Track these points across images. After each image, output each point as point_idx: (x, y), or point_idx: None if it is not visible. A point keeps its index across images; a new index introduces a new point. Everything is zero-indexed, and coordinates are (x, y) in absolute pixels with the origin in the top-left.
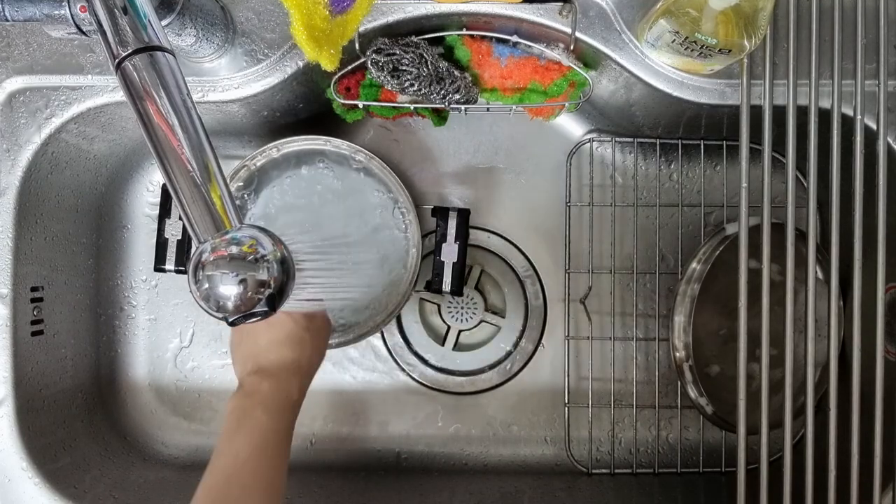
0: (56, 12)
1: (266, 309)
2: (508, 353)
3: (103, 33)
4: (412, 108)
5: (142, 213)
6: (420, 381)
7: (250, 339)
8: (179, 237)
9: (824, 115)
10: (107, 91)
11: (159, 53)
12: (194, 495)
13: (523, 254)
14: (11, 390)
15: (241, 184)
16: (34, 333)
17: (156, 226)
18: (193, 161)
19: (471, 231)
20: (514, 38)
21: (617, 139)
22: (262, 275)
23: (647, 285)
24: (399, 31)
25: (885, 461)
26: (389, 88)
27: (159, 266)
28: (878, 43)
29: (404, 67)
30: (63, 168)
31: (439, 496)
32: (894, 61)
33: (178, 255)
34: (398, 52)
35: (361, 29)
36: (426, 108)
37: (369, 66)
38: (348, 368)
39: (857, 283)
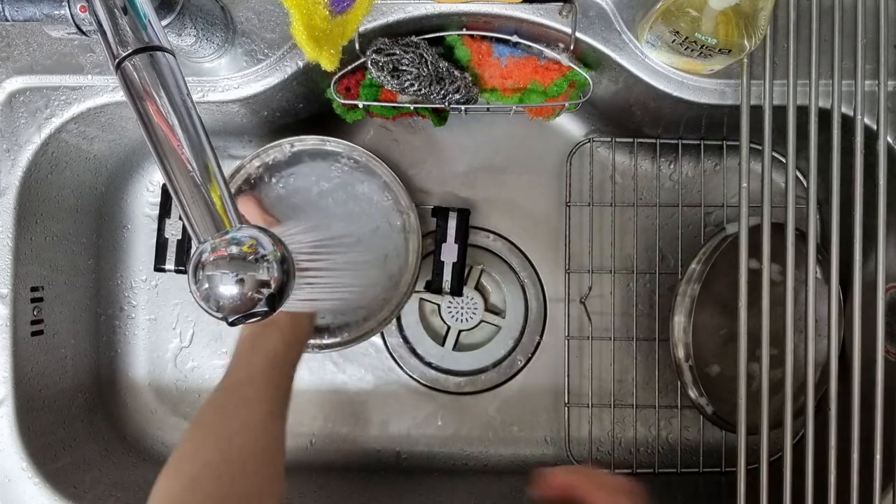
0: (56, 12)
1: (266, 309)
2: (508, 353)
3: (103, 33)
4: (412, 108)
5: (142, 213)
6: (420, 381)
7: None
8: (179, 237)
9: (824, 115)
10: (107, 91)
11: (159, 53)
12: (209, 398)
13: (523, 254)
14: (11, 390)
15: (242, 182)
16: (34, 333)
17: (156, 226)
18: (193, 161)
19: (471, 231)
20: (514, 38)
21: (617, 139)
22: (262, 275)
23: (647, 285)
24: (399, 31)
25: (885, 461)
26: (389, 88)
27: (159, 266)
28: (878, 43)
29: (404, 67)
30: (63, 168)
31: (439, 496)
32: (894, 61)
33: (178, 255)
34: (398, 52)
35: (361, 29)
36: (426, 108)
37: (369, 66)
38: (348, 368)
39: (857, 283)
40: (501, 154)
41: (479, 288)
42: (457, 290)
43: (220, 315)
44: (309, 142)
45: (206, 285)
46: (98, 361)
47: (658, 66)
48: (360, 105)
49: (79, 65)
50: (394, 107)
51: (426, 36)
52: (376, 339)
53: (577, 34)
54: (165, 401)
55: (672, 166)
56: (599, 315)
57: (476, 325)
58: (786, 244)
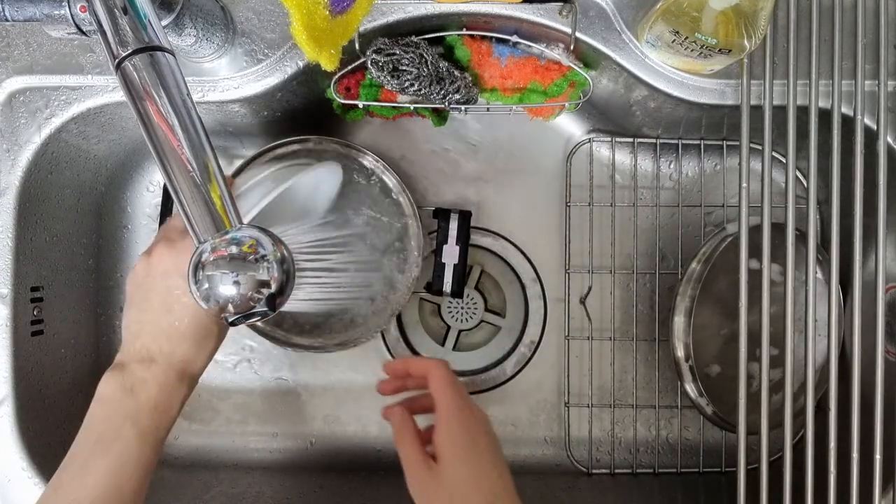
0: (56, 12)
1: (266, 309)
2: (508, 354)
3: (103, 33)
4: (412, 108)
5: (142, 213)
6: None
7: (150, 304)
8: None
9: (824, 115)
10: (107, 91)
11: (159, 53)
12: None
13: (523, 254)
14: (11, 390)
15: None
16: (34, 333)
17: (156, 226)
18: (193, 161)
19: (471, 231)
20: (514, 38)
21: (617, 139)
22: (262, 275)
23: (647, 285)
24: (399, 31)
25: (885, 461)
26: (389, 88)
27: None
28: (878, 43)
29: (404, 67)
30: (63, 168)
31: None
32: (894, 61)
33: None
34: (398, 52)
35: (361, 29)
36: (426, 108)
37: (369, 66)
38: (348, 368)
39: (857, 283)
40: (501, 154)
41: (479, 288)
42: (458, 293)
43: (220, 315)
44: (309, 142)
45: (206, 285)
46: (98, 361)
47: (658, 66)
48: (360, 105)
49: (79, 65)
50: (394, 107)
51: (426, 36)
52: (376, 338)
53: (577, 34)
54: None
55: (672, 166)
56: (599, 315)
57: (476, 326)
58: (786, 244)
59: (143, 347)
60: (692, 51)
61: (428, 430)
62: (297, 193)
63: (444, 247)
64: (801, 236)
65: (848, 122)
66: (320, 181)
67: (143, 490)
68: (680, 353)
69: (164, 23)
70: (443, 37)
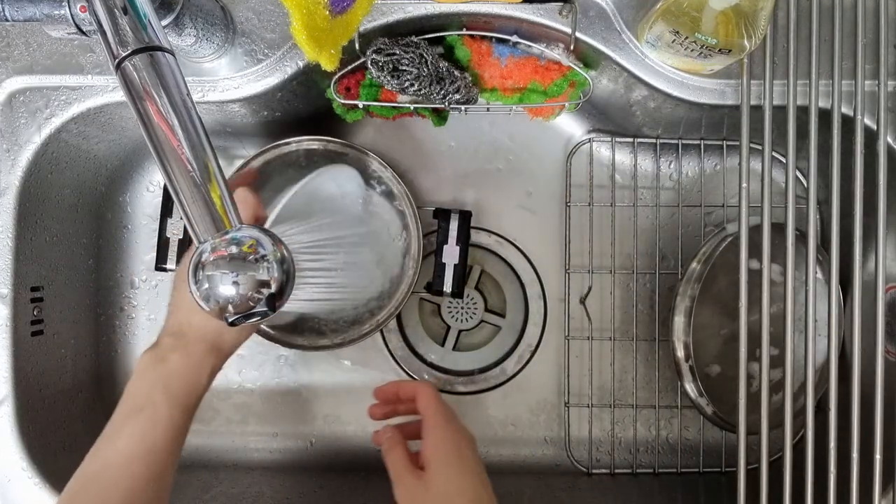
0: (56, 12)
1: (266, 309)
2: (508, 354)
3: (103, 33)
4: (412, 108)
5: (142, 213)
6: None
7: (185, 284)
8: (181, 236)
9: (824, 115)
10: (107, 91)
11: (159, 53)
12: (70, 482)
13: (523, 254)
14: (11, 390)
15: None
16: (34, 333)
17: (156, 226)
18: (193, 161)
19: (471, 231)
20: (514, 38)
21: (617, 139)
22: (263, 275)
23: (647, 285)
24: (399, 31)
25: (886, 461)
26: (389, 88)
27: (160, 265)
28: (878, 43)
29: (404, 67)
30: (63, 168)
31: None
32: (894, 61)
33: (178, 255)
34: (398, 52)
35: (361, 29)
36: (426, 108)
37: (369, 66)
38: (348, 368)
39: (857, 283)
40: (501, 154)
41: (479, 288)
42: (458, 293)
43: (220, 315)
44: (309, 142)
45: (206, 285)
46: (98, 361)
47: (658, 66)
48: (360, 105)
49: (79, 65)
50: (394, 107)
51: (426, 36)
52: (376, 338)
53: (577, 34)
54: None
55: (672, 166)
56: (599, 315)
57: (476, 326)
58: (786, 244)
59: (175, 323)
60: (692, 51)
61: (416, 453)
62: (321, 194)
63: (444, 247)
64: (801, 236)
65: (848, 122)
66: (339, 181)
67: (176, 452)
68: (680, 353)
69: (164, 23)
70: (443, 37)
